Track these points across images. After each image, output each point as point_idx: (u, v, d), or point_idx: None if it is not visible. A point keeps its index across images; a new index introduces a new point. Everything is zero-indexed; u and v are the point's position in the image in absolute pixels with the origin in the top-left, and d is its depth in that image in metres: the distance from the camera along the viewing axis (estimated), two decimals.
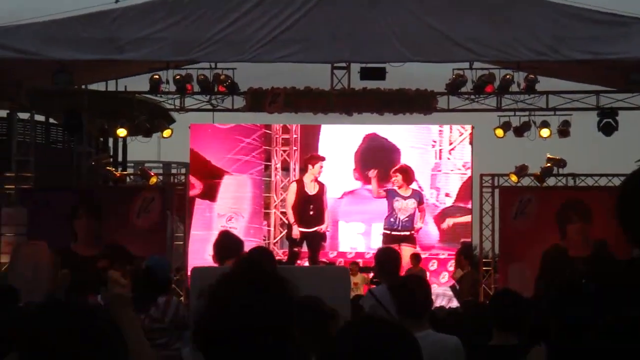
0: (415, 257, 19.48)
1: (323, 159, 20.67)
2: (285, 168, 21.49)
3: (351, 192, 21.22)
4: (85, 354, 2.60)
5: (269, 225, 21.29)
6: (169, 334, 8.25)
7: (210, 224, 21.03)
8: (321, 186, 20.49)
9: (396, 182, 20.55)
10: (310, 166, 20.50)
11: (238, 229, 19.98)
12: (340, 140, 21.68)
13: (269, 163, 21.49)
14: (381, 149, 21.45)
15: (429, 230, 21.17)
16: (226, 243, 7.57)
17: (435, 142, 21.69)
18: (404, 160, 21.21)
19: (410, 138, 21.76)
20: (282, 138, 21.58)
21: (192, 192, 21.20)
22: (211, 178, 21.30)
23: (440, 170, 21.52)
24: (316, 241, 20.45)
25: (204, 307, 2.82)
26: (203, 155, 21.40)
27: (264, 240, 21.01)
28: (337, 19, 15.92)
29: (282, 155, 21.56)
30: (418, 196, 20.67)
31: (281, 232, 21.09)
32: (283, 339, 2.72)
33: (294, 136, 21.65)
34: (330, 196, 20.85)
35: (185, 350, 6.87)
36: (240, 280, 2.84)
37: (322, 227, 20.47)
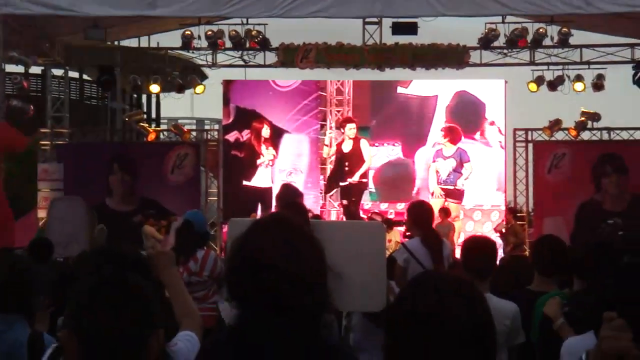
0: (444, 211, 19.55)
1: (353, 120, 21.66)
2: (339, 127, 22.17)
3: None
4: (128, 302, 2.66)
5: (325, 179, 22.03)
6: (207, 288, 8.36)
7: (272, 178, 21.70)
8: (356, 143, 21.40)
9: (442, 141, 21.20)
10: (341, 128, 21.75)
11: (297, 182, 20.66)
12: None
13: (324, 122, 22.14)
14: (470, 104, 21.96)
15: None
16: (287, 195, 7.73)
17: None
18: (489, 115, 21.61)
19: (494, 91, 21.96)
20: (336, 99, 22.21)
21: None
22: (274, 137, 21.73)
23: None
24: (351, 193, 21.45)
25: (233, 254, 2.86)
26: (265, 116, 21.79)
27: (320, 192, 21.87)
28: None
29: (335, 115, 22.22)
30: (459, 156, 21.10)
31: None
32: (308, 289, 2.76)
33: (347, 97, 22.16)
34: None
35: (222, 304, 6.97)
36: (268, 229, 2.87)
37: (354, 180, 21.37)
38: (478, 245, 6.15)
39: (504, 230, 19.35)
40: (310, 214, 9.22)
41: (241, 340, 2.74)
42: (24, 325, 4.50)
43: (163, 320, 2.84)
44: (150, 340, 2.67)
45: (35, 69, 23.53)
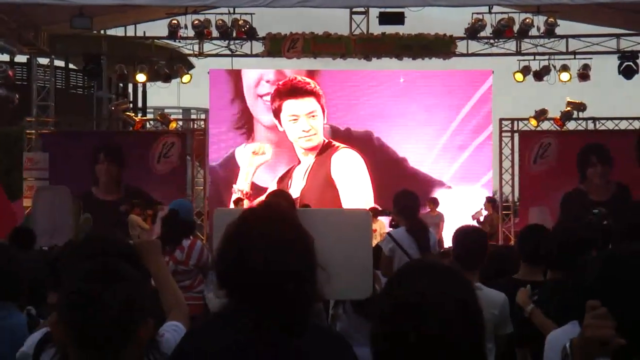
0: (433, 201, 19.47)
1: None
2: None
3: None
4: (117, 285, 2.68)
5: None
6: (193, 277, 8.35)
7: None
8: None
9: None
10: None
11: None
12: None
13: None
14: None
15: None
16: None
17: None
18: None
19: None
20: None
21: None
22: None
23: None
24: None
25: (224, 244, 2.87)
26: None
27: None
28: None
29: None
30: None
31: None
32: (298, 280, 2.77)
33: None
34: None
35: (209, 294, 6.97)
36: (260, 217, 2.89)
37: None
38: (468, 235, 6.17)
39: (481, 219, 19.37)
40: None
41: (228, 325, 2.76)
42: (19, 312, 4.56)
43: (151, 310, 2.85)
44: (139, 330, 2.68)
45: (21, 58, 23.48)
